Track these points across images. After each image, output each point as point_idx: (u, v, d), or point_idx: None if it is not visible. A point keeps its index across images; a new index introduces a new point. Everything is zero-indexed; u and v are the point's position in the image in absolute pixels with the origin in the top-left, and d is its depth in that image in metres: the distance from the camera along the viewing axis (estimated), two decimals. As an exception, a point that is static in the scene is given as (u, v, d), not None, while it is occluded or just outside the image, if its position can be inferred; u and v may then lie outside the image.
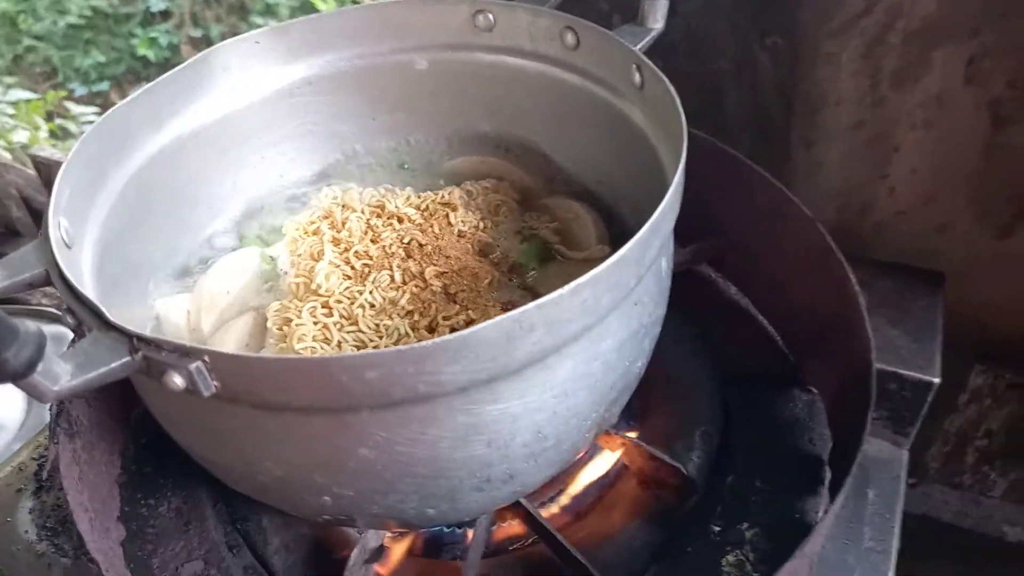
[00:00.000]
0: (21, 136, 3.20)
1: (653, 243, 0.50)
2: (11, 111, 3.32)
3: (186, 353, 0.43)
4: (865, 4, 0.85)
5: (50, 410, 0.63)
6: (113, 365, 0.43)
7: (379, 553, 0.65)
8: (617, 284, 0.48)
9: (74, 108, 3.47)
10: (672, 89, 0.58)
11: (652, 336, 0.58)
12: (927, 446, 1.18)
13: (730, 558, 0.63)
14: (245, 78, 0.72)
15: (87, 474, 0.63)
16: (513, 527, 0.68)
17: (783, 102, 1.00)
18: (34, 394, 0.41)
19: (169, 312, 0.66)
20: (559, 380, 0.49)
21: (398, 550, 0.66)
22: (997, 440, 1.13)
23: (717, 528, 0.65)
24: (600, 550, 0.65)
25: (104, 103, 3.93)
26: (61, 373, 0.42)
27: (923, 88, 0.92)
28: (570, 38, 0.69)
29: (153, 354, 0.43)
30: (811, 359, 0.76)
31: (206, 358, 0.42)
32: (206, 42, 4.13)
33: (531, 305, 0.43)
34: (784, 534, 0.64)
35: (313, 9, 3.89)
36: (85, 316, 0.46)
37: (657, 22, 0.67)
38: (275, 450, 0.49)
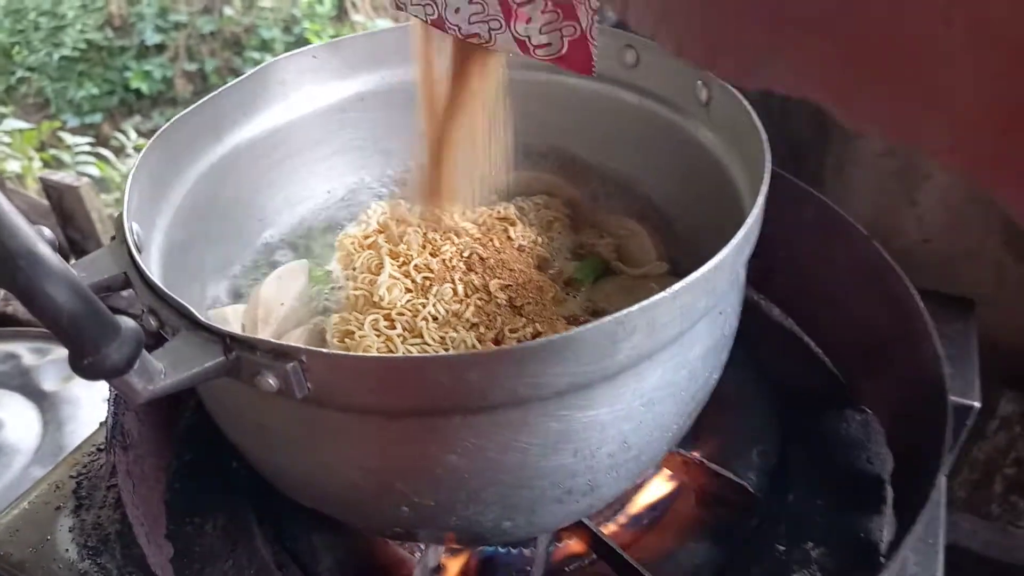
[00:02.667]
0: (14, 165, 3.18)
1: (744, 249, 0.50)
2: (7, 140, 3.30)
3: (283, 353, 0.41)
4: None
5: (104, 423, 0.61)
6: (207, 365, 0.42)
7: (436, 572, 0.63)
8: (711, 290, 0.47)
9: (68, 138, 3.46)
10: (746, 103, 0.58)
11: (728, 349, 0.58)
12: (955, 474, 1.17)
13: (798, 577, 0.62)
14: (300, 92, 0.72)
15: (140, 488, 0.61)
16: (571, 547, 0.67)
17: (817, 128, 1.01)
18: (127, 392, 0.40)
19: (223, 322, 0.65)
20: (648, 387, 0.48)
21: (454, 569, 0.64)
22: (1027, 468, 1.12)
23: (781, 548, 0.64)
24: (662, 568, 0.63)
25: (97, 134, 3.92)
26: (155, 372, 0.40)
27: (955, 115, 0.94)
28: (629, 56, 0.69)
29: (247, 354, 0.42)
30: (864, 379, 0.75)
31: (304, 358, 0.41)
32: (201, 76, 4.16)
33: (635, 307, 0.42)
34: (850, 553, 0.63)
35: (307, 44, 3.95)
36: (171, 316, 0.45)
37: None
38: (358, 456, 0.48)
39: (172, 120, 0.61)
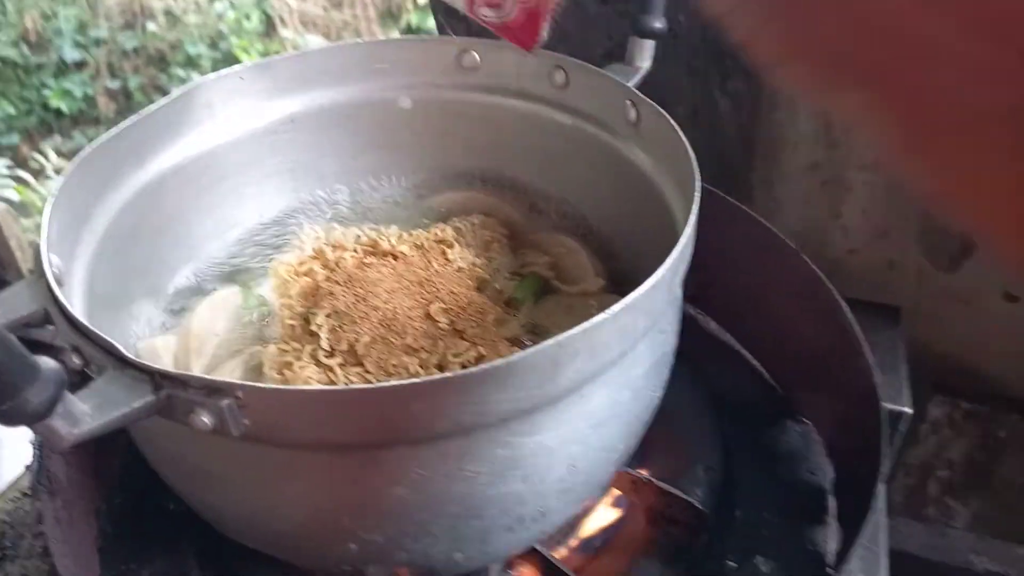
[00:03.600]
0: (-79, 189, 3.02)
1: (680, 268, 0.50)
2: (-85, 161, 3.13)
3: (216, 389, 0.40)
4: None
5: (29, 467, 0.57)
6: (136, 405, 0.40)
7: (385, 606, 0.61)
8: (650, 309, 0.47)
9: (-18, 161, 3.30)
10: (674, 123, 0.59)
11: (670, 366, 0.58)
12: (891, 479, 1.21)
13: (748, 591, 0.62)
14: (228, 114, 0.70)
15: (69, 536, 0.58)
16: (523, 574, 0.66)
17: (744, 144, 1.03)
18: (50, 437, 0.37)
19: (152, 355, 0.62)
20: (593, 409, 0.48)
21: (404, 603, 0.63)
22: (958, 470, 1.16)
23: (733, 564, 0.64)
24: (614, 590, 0.63)
25: (15, 156, 3.76)
26: (80, 415, 0.38)
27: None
28: (559, 77, 0.70)
29: (179, 392, 0.40)
30: (802, 390, 0.77)
31: (239, 394, 0.40)
32: (124, 93, 4.03)
33: (576, 330, 0.42)
34: (799, 565, 0.64)
35: (235, 61, 3.86)
36: (96, 354, 0.42)
37: (645, 61, 0.69)
38: (301, 493, 0.46)
39: (92, 145, 0.59)
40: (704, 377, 0.81)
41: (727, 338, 0.85)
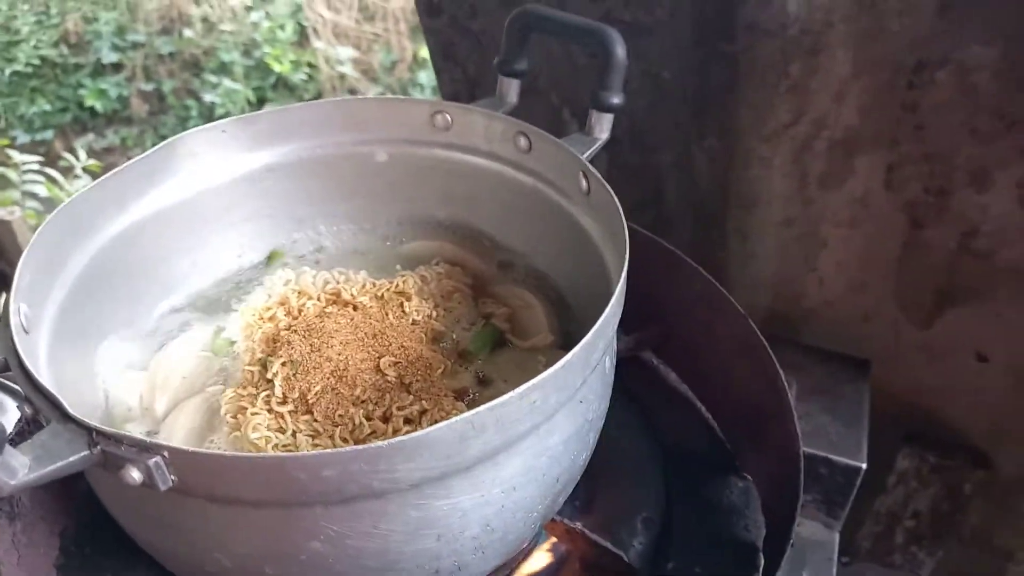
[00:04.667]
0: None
1: (598, 345, 0.53)
2: (-46, 155, 3.23)
3: (145, 448, 0.44)
4: (793, 115, 0.92)
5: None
6: (71, 459, 0.44)
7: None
8: (564, 385, 0.51)
9: (16, 156, 3.41)
10: (616, 200, 0.62)
11: (596, 429, 0.61)
12: (859, 526, 1.22)
13: (671, 645, 0.65)
14: (209, 164, 0.74)
15: (26, 558, 0.62)
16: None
17: (720, 196, 1.06)
18: (-11, 488, 0.41)
19: (120, 391, 0.66)
20: (508, 476, 0.51)
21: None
22: (924, 520, 1.18)
23: (658, 614, 0.67)
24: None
25: (48, 151, 3.87)
26: (18, 467, 0.42)
27: (848, 191, 0.99)
28: (523, 142, 0.73)
29: (112, 448, 0.44)
30: (745, 447, 0.80)
31: (165, 454, 0.44)
32: (158, 96, 4.13)
33: (483, 408, 0.45)
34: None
35: (267, 70, 3.93)
36: (44, 407, 0.47)
37: (603, 132, 0.72)
38: (226, 542, 0.50)
39: (73, 196, 0.63)
40: (657, 426, 0.83)
41: (684, 390, 0.88)
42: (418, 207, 0.82)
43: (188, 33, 4.11)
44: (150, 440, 0.43)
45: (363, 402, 0.63)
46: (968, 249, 0.98)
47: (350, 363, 0.65)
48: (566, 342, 0.73)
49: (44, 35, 4.30)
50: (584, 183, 0.67)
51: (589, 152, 0.69)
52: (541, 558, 0.72)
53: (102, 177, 0.67)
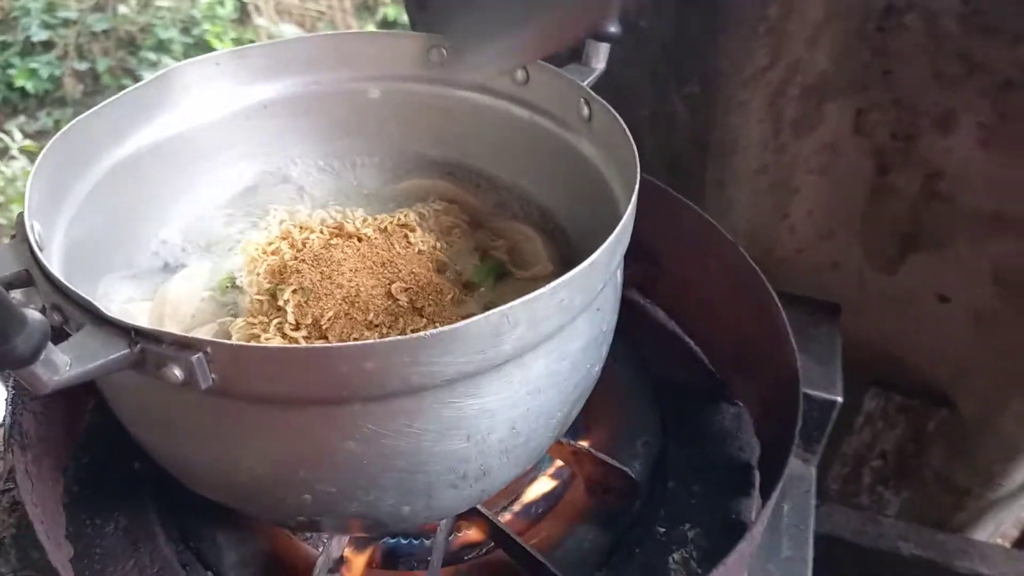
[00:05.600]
0: None
1: (617, 251, 0.55)
2: None
3: (187, 345, 0.44)
4: (770, 58, 0.95)
5: (2, 423, 0.61)
6: (112, 357, 0.43)
7: (339, 564, 0.65)
8: (587, 287, 0.52)
9: (-58, 139, 3.25)
10: (621, 120, 0.64)
11: (607, 344, 0.63)
12: (827, 468, 1.28)
13: (676, 556, 0.68)
14: (204, 98, 0.74)
15: (38, 490, 0.61)
16: (469, 536, 0.70)
17: (698, 147, 1.09)
18: (33, 383, 0.41)
19: (128, 319, 0.65)
20: (533, 377, 0.53)
21: (359, 562, 0.67)
22: (890, 460, 1.23)
23: (662, 529, 0.70)
24: (554, 553, 0.68)
25: (-22, 134, 3.70)
26: (60, 364, 0.42)
27: (818, 136, 1.03)
28: (520, 74, 0.74)
29: (152, 346, 0.44)
30: (736, 375, 0.83)
31: (208, 350, 0.44)
32: (92, 76, 3.99)
33: (517, 301, 0.47)
34: (723, 533, 0.69)
35: (207, 47, 3.84)
36: (76, 313, 0.46)
37: (600, 62, 0.74)
38: (262, 445, 0.50)
39: (73, 121, 0.62)
40: (649, 361, 0.86)
41: (673, 327, 0.91)
42: (412, 145, 0.82)
43: (123, 9, 3.97)
44: (192, 336, 0.43)
45: (376, 326, 0.64)
46: (932, 193, 1.02)
47: (361, 289, 0.65)
48: (566, 272, 0.74)
49: (-33, 12, 4.11)
50: (586, 110, 0.68)
51: (588, 81, 0.71)
52: (547, 481, 0.74)
53: (98, 105, 0.65)
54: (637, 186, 0.58)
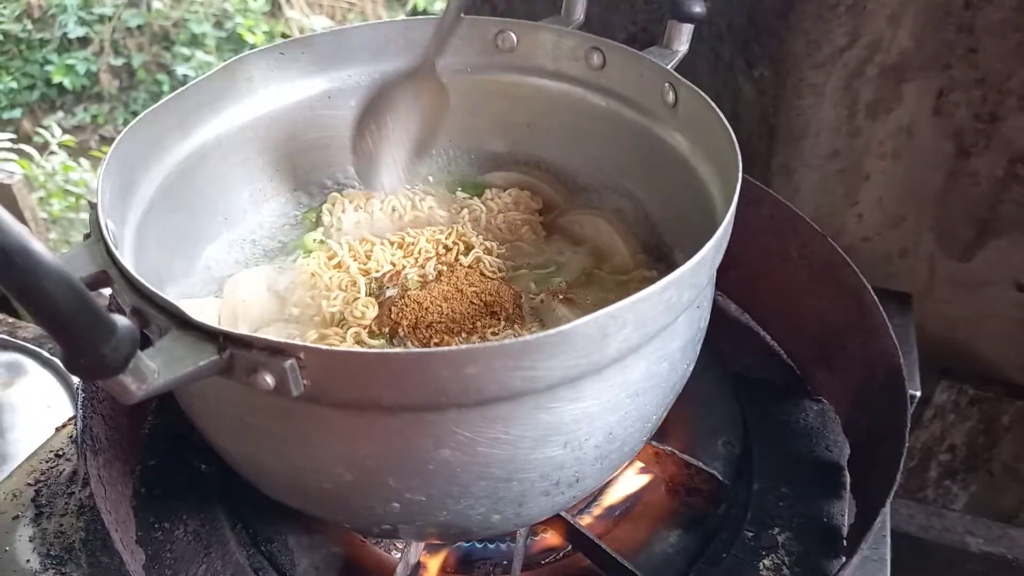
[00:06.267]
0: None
1: (721, 247, 0.52)
2: (-82, 133, 3.12)
3: (279, 351, 0.41)
4: (849, 38, 0.91)
5: (75, 426, 0.59)
6: (201, 364, 0.41)
7: (417, 569, 0.63)
8: (693, 284, 0.49)
9: (-16, 134, 3.30)
10: (713, 104, 0.60)
11: (701, 341, 0.60)
12: (895, 461, 1.23)
13: (767, 562, 0.64)
14: (267, 89, 0.71)
15: (110, 494, 0.59)
16: (548, 539, 0.68)
17: (766, 130, 1.04)
18: (120, 392, 0.39)
19: (198, 315, 0.63)
20: (634, 379, 0.50)
21: (434, 566, 0.65)
22: (960, 454, 1.19)
23: (750, 533, 0.66)
24: (636, 557, 0.65)
25: (17, 130, 3.75)
26: (148, 372, 0.40)
27: (895, 119, 0.99)
28: (596, 58, 0.71)
29: (243, 352, 0.42)
30: (819, 370, 0.79)
31: (301, 355, 0.41)
32: (128, 71, 4.02)
33: (625, 302, 0.44)
34: (814, 537, 0.66)
35: (240, 41, 3.84)
36: (159, 317, 0.44)
37: (683, 44, 0.70)
38: (351, 453, 0.48)
39: (138, 117, 0.60)
40: (723, 356, 0.82)
41: (746, 319, 0.87)
42: (480, 134, 0.80)
43: (157, 5, 3.99)
44: (285, 341, 0.41)
45: (455, 333, 0.61)
46: (1016, 177, 0.97)
47: (434, 296, 0.62)
48: (654, 263, 0.71)
49: (5, 9, 4.15)
50: (671, 95, 0.65)
51: (670, 64, 0.67)
52: (628, 482, 0.71)
53: (164, 99, 0.63)
54: (740, 175, 0.54)
